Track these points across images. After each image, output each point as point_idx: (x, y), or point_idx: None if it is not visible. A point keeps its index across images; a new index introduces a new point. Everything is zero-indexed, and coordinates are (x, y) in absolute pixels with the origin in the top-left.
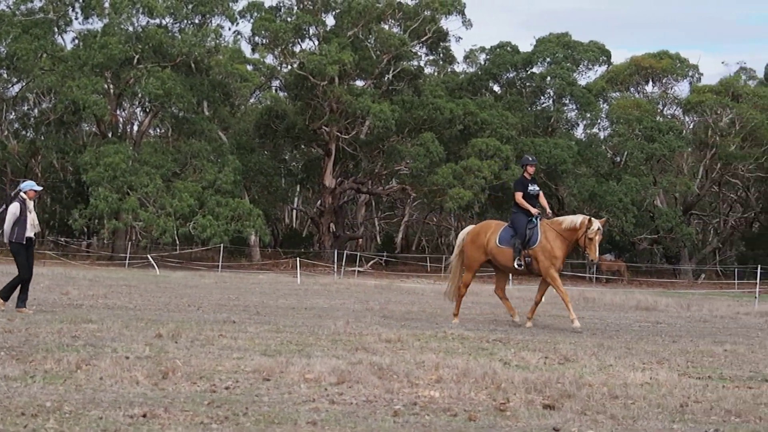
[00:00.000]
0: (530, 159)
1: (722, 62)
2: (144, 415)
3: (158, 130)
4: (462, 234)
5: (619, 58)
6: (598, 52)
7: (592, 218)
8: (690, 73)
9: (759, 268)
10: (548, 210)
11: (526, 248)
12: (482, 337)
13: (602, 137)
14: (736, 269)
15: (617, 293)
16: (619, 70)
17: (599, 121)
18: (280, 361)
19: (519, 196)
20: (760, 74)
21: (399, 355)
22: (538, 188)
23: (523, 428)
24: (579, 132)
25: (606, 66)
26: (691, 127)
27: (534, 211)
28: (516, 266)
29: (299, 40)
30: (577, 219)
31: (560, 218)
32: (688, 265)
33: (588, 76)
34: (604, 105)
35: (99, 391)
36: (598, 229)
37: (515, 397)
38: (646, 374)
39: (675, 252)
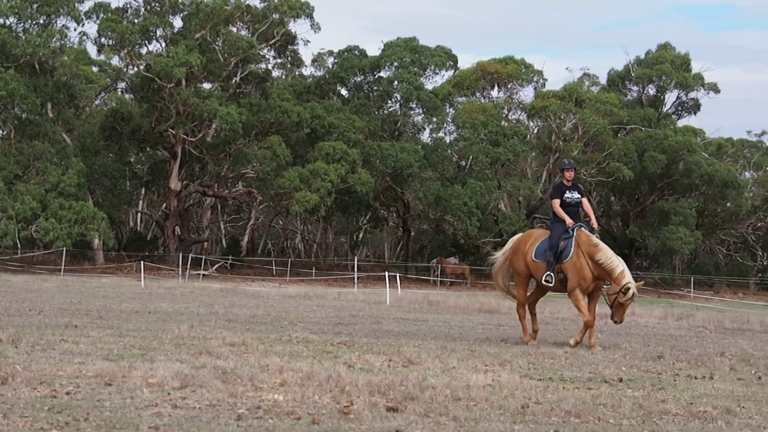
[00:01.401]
0: (567, 163)
1: (566, 68)
2: None
3: (1, 132)
4: (510, 242)
5: (465, 63)
6: (445, 57)
7: (631, 283)
8: (535, 79)
9: None
10: (593, 221)
11: (559, 262)
12: (327, 341)
13: (448, 141)
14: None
15: (461, 296)
16: (465, 75)
17: (445, 125)
18: (122, 365)
19: (556, 203)
20: (603, 80)
21: (243, 359)
22: (579, 196)
23: (367, 431)
24: (425, 136)
25: (453, 71)
26: (535, 131)
27: (569, 221)
28: (544, 281)
29: (146, 41)
30: (616, 268)
31: (598, 244)
32: None
33: (435, 80)
34: (451, 109)
35: None
36: (633, 295)
37: (359, 400)
38: (489, 376)
39: None
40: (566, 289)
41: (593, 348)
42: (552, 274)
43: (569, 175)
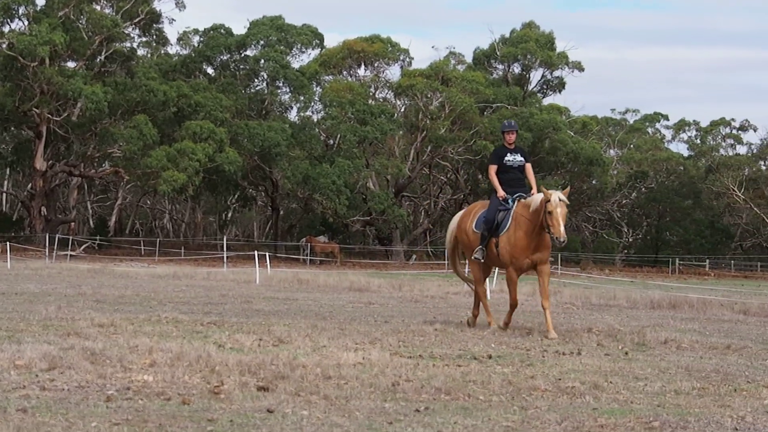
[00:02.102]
0: (507, 124)
1: (432, 47)
2: None
3: None
4: (454, 217)
5: (332, 41)
6: (312, 36)
7: (553, 191)
8: (401, 58)
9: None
10: (534, 188)
11: (495, 236)
12: (196, 321)
13: (316, 120)
14: (445, 250)
15: (331, 275)
16: (332, 54)
17: (312, 104)
18: None
19: (492, 170)
20: (469, 59)
21: (112, 340)
22: (522, 158)
23: (237, 411)
24: (293, 115)
25: (319, 49)
26: (402, 110)
27: (501, 193)
28: (474, 257)
29: (8, 20)
30: (537, 198)
31: (529, 199)
32: (399, 246)
33: (301, 59)
34: (318, 88)
35: None
36: (560, 200)
37: (229, 379)
38: (359, 354)
39: (387, 234)
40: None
41: (549, 333)
42: (483, 249)
43: (510, 137)
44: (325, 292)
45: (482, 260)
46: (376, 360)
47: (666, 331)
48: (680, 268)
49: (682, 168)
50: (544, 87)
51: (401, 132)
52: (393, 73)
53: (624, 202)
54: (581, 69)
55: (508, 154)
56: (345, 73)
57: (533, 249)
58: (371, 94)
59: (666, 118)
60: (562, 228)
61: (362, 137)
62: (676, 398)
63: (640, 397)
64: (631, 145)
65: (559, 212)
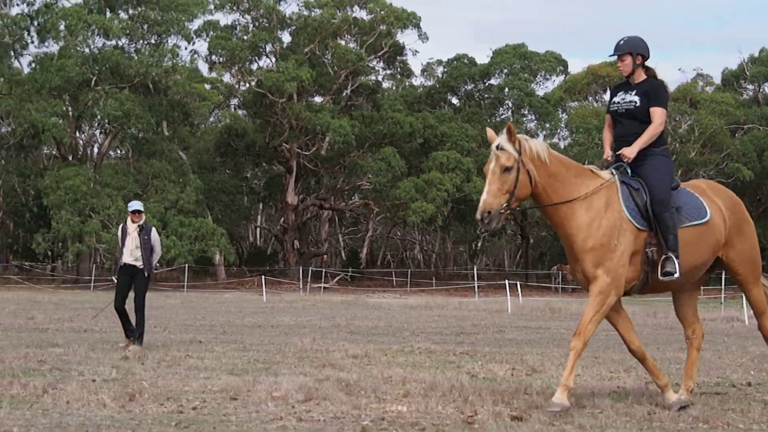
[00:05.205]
0: (616, 45)
1: (679, 69)
2: None
3: (118, 152)
4: None
5: (576, 67)
6: (555, 62)
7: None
8: None
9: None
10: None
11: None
12: (449, 351)
13: (562, 147)
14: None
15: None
16: (576, 80)
17: (559, 130)
18: (247, 379)
19: (606, 123)
20: (717, 80)
21: (366, 371)
22: (636, 98)
23: None
24: None
25: (563, 76)
26: None
27: (607, 152)
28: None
29: (256, 57)
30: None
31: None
32: None
33: (546, 86)
34: (563, 115)
35: (66, 415)
36: (496, 148)
37: (483, 409)
38: (614, 383)
39: None
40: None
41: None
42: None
43: (621, 66)
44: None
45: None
46: (631, 389)
47: None
48: None
49: None
50: None
51: None
52: None
53: None
54: None
55: (620, 94)
56: (590, 98)
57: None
58: None
59: None
60: (481, 200)
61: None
62: None
63: None
64: None
65: (489, 171)
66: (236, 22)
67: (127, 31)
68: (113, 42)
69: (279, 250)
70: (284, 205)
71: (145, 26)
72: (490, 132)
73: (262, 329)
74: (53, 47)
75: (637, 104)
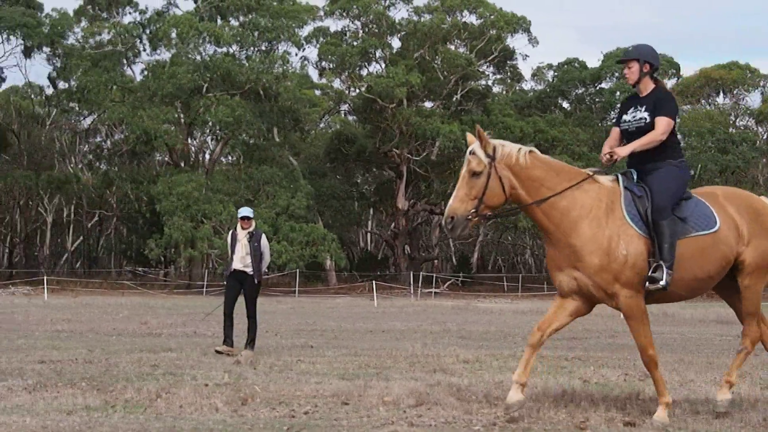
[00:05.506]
0: (625, 53)
1: None
2: None
3: (230, 158)
4: None
5: (688, 70)
6: (667, 66)
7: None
8: (762, 83)
9: None
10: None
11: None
12: (561, 356)
13: None
14: None
15: (697, 307)
16: (689, 83)
17: None
18: (358, 384)
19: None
20: None
21: (477, 376)
22: (645, 114)
23: None
24: None
25: (675, 79)
26: (765, 137)
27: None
28: None
29: (366, 63)
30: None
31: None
32: None
33: None
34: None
35: (179, 419)
36: (469, 153)
37: (595, 415)
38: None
39: None
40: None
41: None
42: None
43: (627, 74)
44: (691, 325)
45: None
46: (746, 395)
47: None
48: None
49: None
50: None
51: (765, 159)
52: (753, 99)
53: None
54: None
55: (630, 111)
56: (703, 101)
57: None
58: (731, 122)
59: None
60: (447, 205)
61: (724, 166)
62: None
63: None
64: None
65: (460, 176)
66: (346, 28)
67: (238, 38)
68: (224, 49)
69: (390, 255)
70: (394, 210)
71: (256, 33)
72: (469, 136)
73: (373, 334)
74: (165, 55)
75: (647, 120)
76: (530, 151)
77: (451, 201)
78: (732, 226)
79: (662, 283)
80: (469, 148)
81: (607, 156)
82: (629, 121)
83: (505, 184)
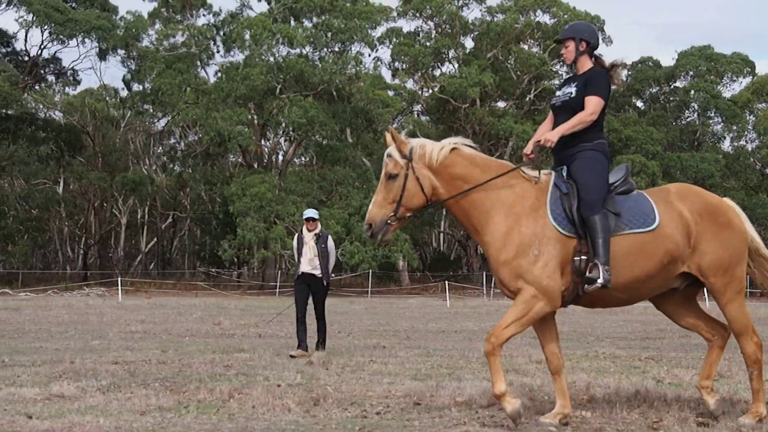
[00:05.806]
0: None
1: None
2: None
3: (303, 159)
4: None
5: (763, 68)
6: (742, 64)
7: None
8: None
9: None
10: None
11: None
12: (634, 356)
13: (750, 149)
14: None
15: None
16: (764, 81)
17: (746, 133)
18: (430, 385)
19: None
20: None
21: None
22: (575, 88)
23: None
24: (726, 145)
25: (750, 77)
26: None
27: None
28: None
29: (439, 63)
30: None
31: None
32: None
33: (732, 88)
34: (751, 117)
35: (252, 420)
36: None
37: (668, 415)
38: None
39: None
40: None
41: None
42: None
43: (564, 52)
44: (765, 324)
45: None
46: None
47: None
48: None
49: None
50: None
51: None
52: None
53: None
54: None
55: (564, 87)
56: None
57: None
58: None
59: None
60: (368, 211)
61: None
62: None
63: None
64: None
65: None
66: (419, 29)
67: (311, 40)
68: (297, 50)
69: (462, 255)
70: None
71: (329, 34)
72: (387, 137)
73: (445, 334)
74: (238, 56)
75: (573, 95)
76: (453, 149)
77: (369, 207)
78: (680, 224)
79: (600, 281)
80: (386, 151)
81: (532, 147)
82: (558, 96)
83: (425, 185)
